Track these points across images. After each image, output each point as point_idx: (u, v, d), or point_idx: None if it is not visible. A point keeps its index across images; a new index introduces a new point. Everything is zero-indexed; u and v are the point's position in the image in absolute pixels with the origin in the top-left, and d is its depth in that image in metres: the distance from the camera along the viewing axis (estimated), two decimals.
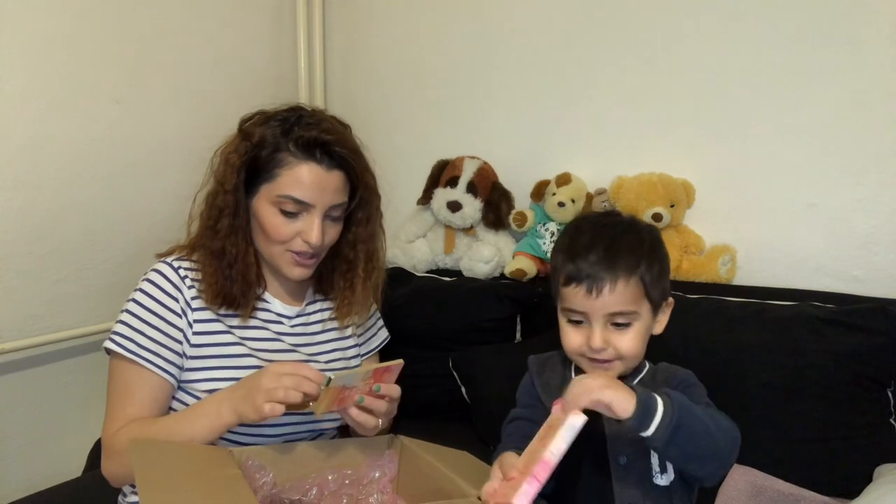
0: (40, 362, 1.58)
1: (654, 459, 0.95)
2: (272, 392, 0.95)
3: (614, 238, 0.96)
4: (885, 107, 1.45)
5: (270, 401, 0.95)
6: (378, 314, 1.37)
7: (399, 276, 1.86)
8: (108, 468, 1.09)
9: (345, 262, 1.20)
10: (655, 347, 1.40)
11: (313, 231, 1.09)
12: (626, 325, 0.95)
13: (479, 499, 0.87)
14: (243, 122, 1.15)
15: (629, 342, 0.95)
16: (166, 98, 1.76)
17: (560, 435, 0.82)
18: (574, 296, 0.95)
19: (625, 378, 0.98)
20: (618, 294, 0.93)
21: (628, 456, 0.95)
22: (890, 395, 1.30)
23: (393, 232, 1.96)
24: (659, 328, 1.01)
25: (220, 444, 1.08)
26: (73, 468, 1.53)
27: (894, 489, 1.08)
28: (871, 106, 1.46)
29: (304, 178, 1.08)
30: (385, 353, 1.40)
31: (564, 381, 1.00)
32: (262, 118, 1.13)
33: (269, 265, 1.18)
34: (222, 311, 1.13)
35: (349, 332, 1.27)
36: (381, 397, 1.02)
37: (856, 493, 1.13)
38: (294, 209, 1.09)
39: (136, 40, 1.69)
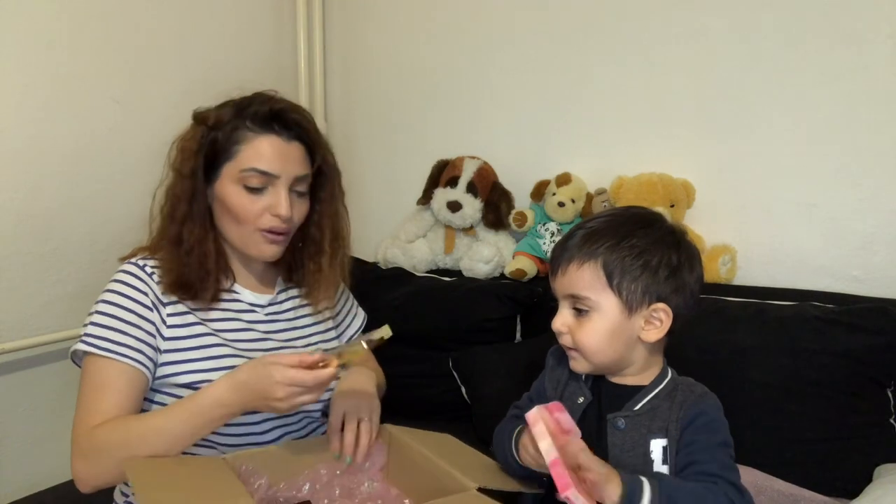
0: (40, 362, 1.58)
1: None
2: (281, 406, 0.96)
3: (604, 225, 0.94)
4: (885, 107, 1.44)
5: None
6: (350, 297, 1.36)
7: (399, 276, 1.86)
8: (83, 468, 1.01)
9: (313, 244, 1.20)
10: None
11: (282, 203, 1.08)
12: (585, 312, 0.93)
13: (479, 489, 0.88)
14: (198, 113, 1.14)
15: (585, 333, 0.92)
16: (166, 98, 1.75)
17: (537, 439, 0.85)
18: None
19: (640, 389, 0.94)
20: (570, 276, 0.93)
21: None
22: (890, 395, 1.30)
23: (393, 232, 1.96)
24: (647, 336, 0.93)
25: (209, 450, 1.08)
26: None
27: (894, 489, 1.08)
28: (871, 106, 1.46)
29: (265, 150, 1.08)
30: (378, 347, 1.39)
31: (570, 378, 1.00)
32: (218, 106, 1.13)
33: (237, 254, 1.16)
34: (188, 304, 1.11)
35: (326, 315, 1.26)
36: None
37: (856, 493, 1.13)
38: (259, 183, 1.08)
39: (136, 40, 1.69)
